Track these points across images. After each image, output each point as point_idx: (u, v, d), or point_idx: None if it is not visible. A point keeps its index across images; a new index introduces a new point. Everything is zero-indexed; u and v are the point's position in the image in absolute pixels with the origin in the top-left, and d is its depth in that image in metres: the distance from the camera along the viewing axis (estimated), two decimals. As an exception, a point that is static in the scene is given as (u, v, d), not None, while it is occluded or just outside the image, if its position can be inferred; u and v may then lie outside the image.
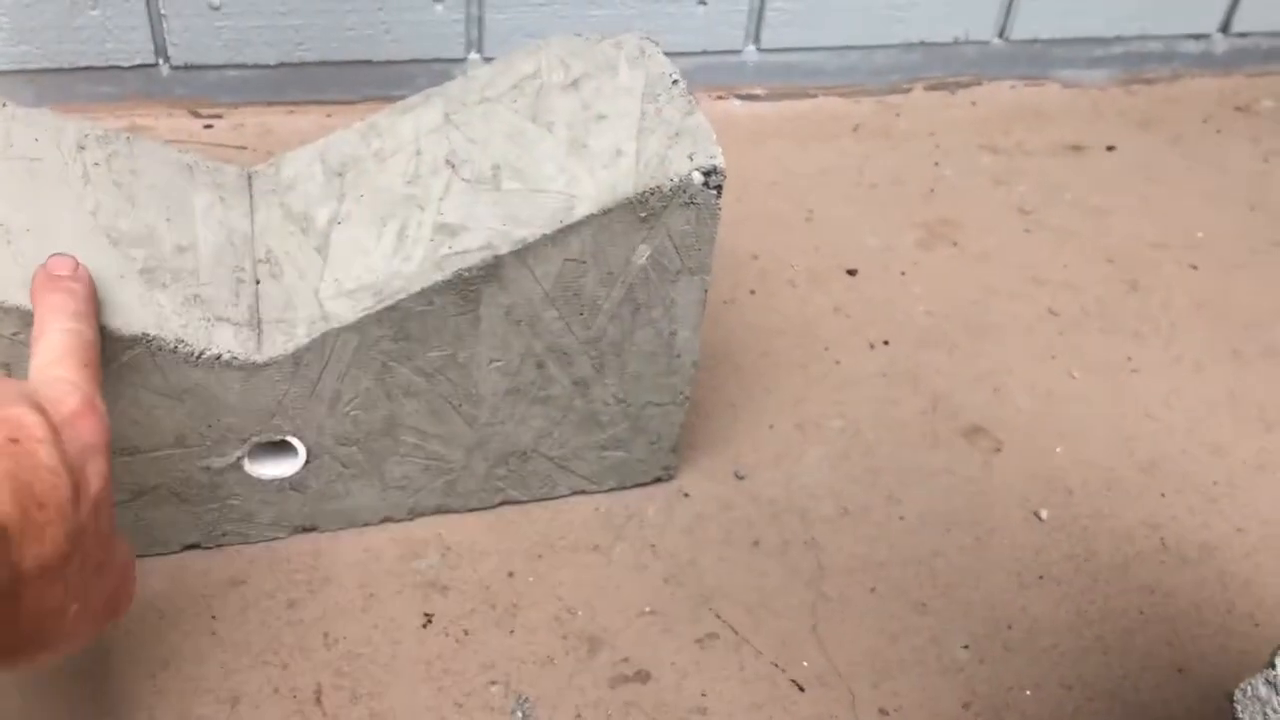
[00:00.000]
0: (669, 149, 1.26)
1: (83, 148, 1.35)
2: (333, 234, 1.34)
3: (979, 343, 1.77)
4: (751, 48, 2.26)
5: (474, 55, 2.13)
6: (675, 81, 1.34)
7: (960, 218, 2.03)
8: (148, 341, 1.16)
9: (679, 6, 2.16)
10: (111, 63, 1.98)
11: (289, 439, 1.28)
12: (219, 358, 1.19)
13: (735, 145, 2.09)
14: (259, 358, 1.21)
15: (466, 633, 1.28)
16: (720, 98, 2.28)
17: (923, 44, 2.33)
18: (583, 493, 1.45)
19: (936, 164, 2.16)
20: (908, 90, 2.36)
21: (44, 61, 1.95)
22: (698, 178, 1.23)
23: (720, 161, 1.24)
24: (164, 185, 1.39)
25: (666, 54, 1.45)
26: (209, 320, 1.22)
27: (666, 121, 1.29)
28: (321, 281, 1.28)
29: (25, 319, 1.11)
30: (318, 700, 1.20)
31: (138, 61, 1.99)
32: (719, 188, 1.25)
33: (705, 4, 2.17)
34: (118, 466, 1.23)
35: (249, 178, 1.48)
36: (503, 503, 1.42)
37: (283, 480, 1.30)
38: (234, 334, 1.22)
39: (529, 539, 1.39)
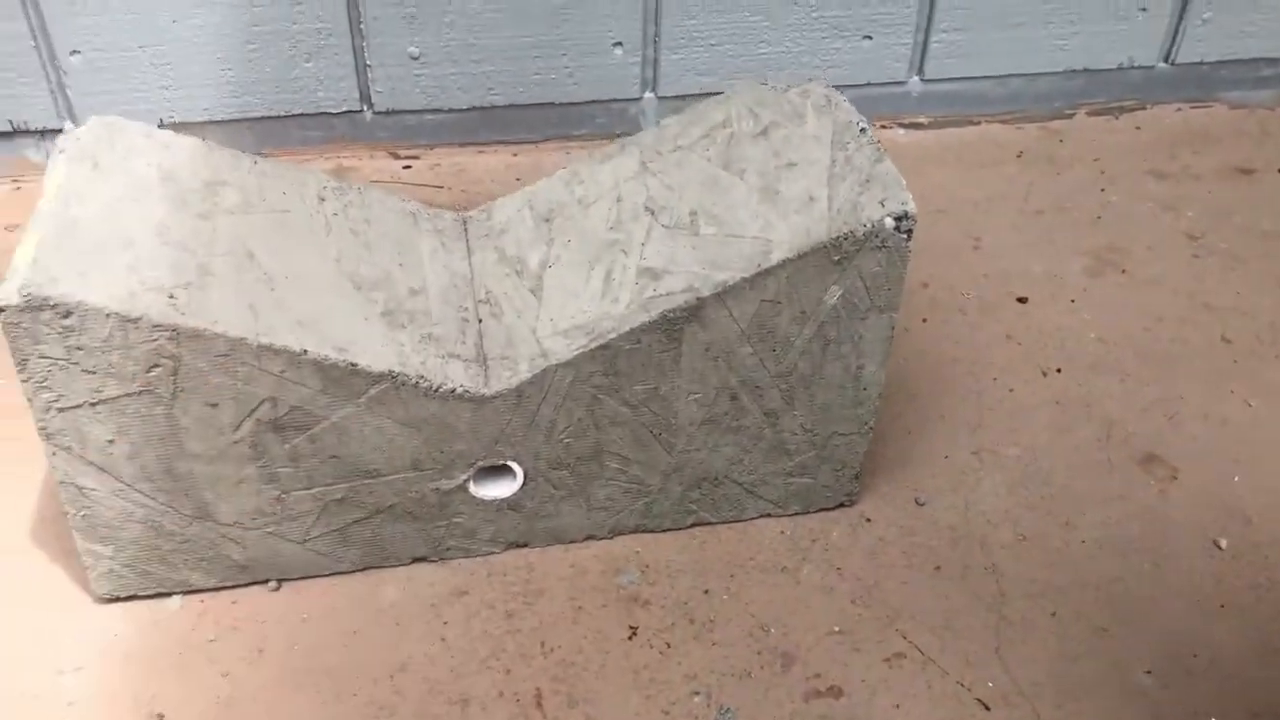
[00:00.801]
0: (860, 195, 1.34)
1: (323, 199, 1.52)
2: (545, 277, 1.46)
3: (1151, 370, 1.79)
4: (915, 79, 2.31)
5: (649, 94, 2.24)
6: (863, 130, 1.42)
7: (1128, 244, 2.05)
8: (393, 378, 1.30)
9: (846, 41, 2.23)
10: (321, 109, 2.16)
11: (509, 464, 1.41)
12: (453, 391, 1.33)
13: (902, 173, 2.14)
14: (487, 391, 1.34)
15: (669, 645, 1.38)
16: (885, 127, 2.34)
17: (1086, 70, 2.34)
18: (769, 516, 1.54)
19: (1102, 190, 2.18)
20: (1071, 116, 2.38)
21: (263, 110, 2.14)
22: (890, 223, 1.31)
23: (912, 207, 1.32)
24: (393, 232, 1.54)
25: (834, 86, 1.52)
26: (443, 357, 1.36)
27: (856, 168, 1.37)
28: (538, 321, 1.40)
29: (292, 359, 1.26)
30: (538, 704, 1.32)
31: (345, 108, 2.17)
32: (910, 231, 1.32)
33: (871, 39, 2.24)
34: (360, 488, 1.38)
35: (464, 223, 1.62)
36: (695, 524, 1.52)
37: (502, 500, 1.43)
38: (464, 369, 1.36)
39: (720, 558, 1.49)
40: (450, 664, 1.36)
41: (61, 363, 1.21)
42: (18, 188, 2.12)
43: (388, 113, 2.18)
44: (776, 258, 1.32)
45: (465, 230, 1.60)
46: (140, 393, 1.25)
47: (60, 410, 1.24)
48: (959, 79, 2.32)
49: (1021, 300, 1.91)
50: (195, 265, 1.29)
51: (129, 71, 2.05)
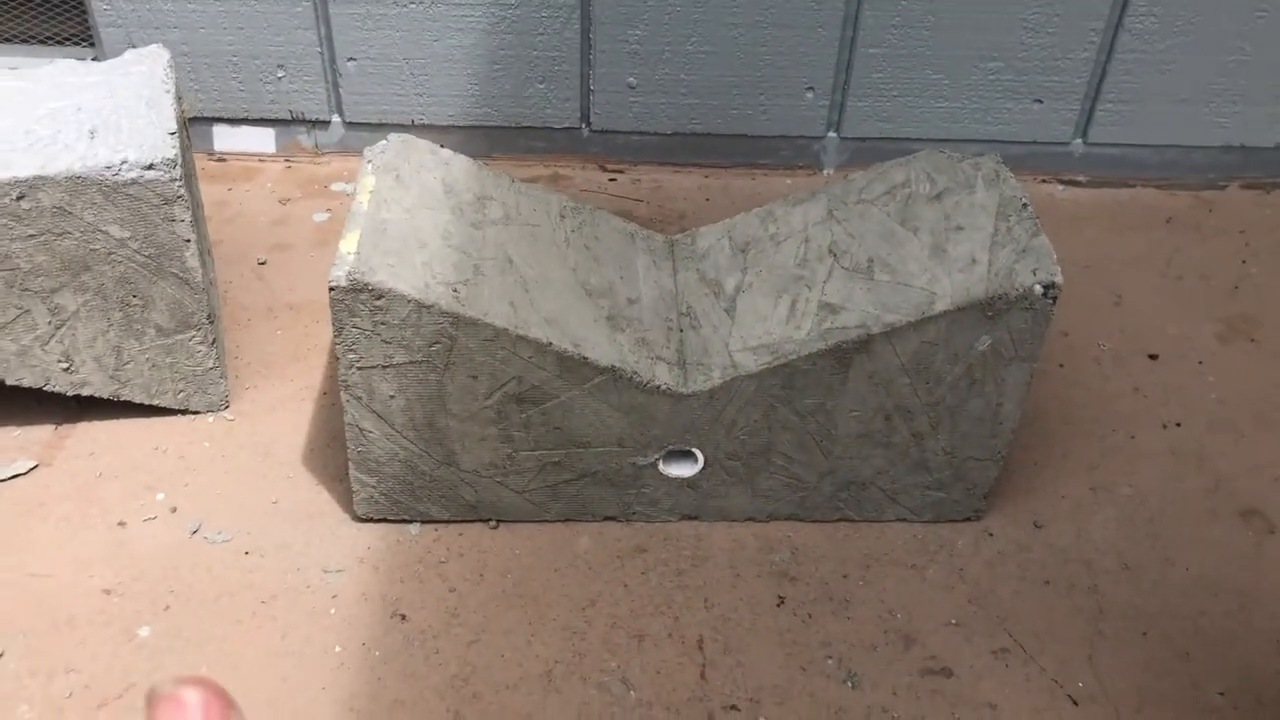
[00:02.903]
0: (1016, 263, 1.59)
1: (563, 217, 1.84)
2: (738, 300, 1.76)
3: (1265, 433, 1.98)
4: (1079, 141, 2.52)
5: (831, 134, 2.51)
6: (1025, 205, 1.66)
7: (1261, 315, 2.23)
8: (614, 372, 1.61)
9: (1016, 103, 2.45)
10: (546, 124, 2.50)
11: (693, 450, 1.71)
12: (658, 387, 1.63)
13: (1055, 227, 2.36)
14: (684, 390, 1.65)
15: (810, 616, 1.67)
16: (1044, 181, 2.55)
17: (1243, 147, 2.51)
18: (904, 520, 1.80)
19: (1244, 261, 2.35)
20: (1223, 188, 2.54)
21: (497, 120, 2.49)
22: (1039, 289, 1.56)
23: (1059, 279, 1.56)
24: (616, 249, 1.85)
25: (1001, 142, 1.75)
26: (652, 359, 1.67)
27: (1016, 239, 1.62)
28: (730, 337, 1.70)
29: (539, 348, 1.59)
30: (700, 647, 1.62)
31: (566, 125, 2.50)
32: (1055, 298, 1.57)
33: (1041, 102, 2.45)
34: (573, 455, 1.70)
35: (671, 245, 1.93)
36: (840, 519, 1.80)
37: (683, 479, 1.74)
38: (668, 370, 1.66)
39: (860, 550, 1.76)
40: (630, 605, 1.67)
41: (367, 333, 1.56)
42: (289, 166, 2.52)
43: (602, 131, 2.50)
44: (939, 308, 1.58)
45: (673, 251, 1.90)
46: (421, 362, 1.59)
47: (360, 369, 1.60)
48: (1119, 145, 2.51)
49: (1152, 357, 2.12)
50: (471, 266, 1.63)
51: (392, 78, 2.42)
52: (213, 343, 1.86)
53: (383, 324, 1.56)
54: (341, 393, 1.63)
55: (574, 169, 2.54)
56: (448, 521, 1.78)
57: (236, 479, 1.83)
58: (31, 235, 1.67)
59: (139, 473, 1.83)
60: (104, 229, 1.70)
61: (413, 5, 2.32)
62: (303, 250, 2.30)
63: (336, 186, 2.47)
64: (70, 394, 1.85)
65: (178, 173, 1.69)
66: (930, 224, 1.70)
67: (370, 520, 1.77)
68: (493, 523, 1.78)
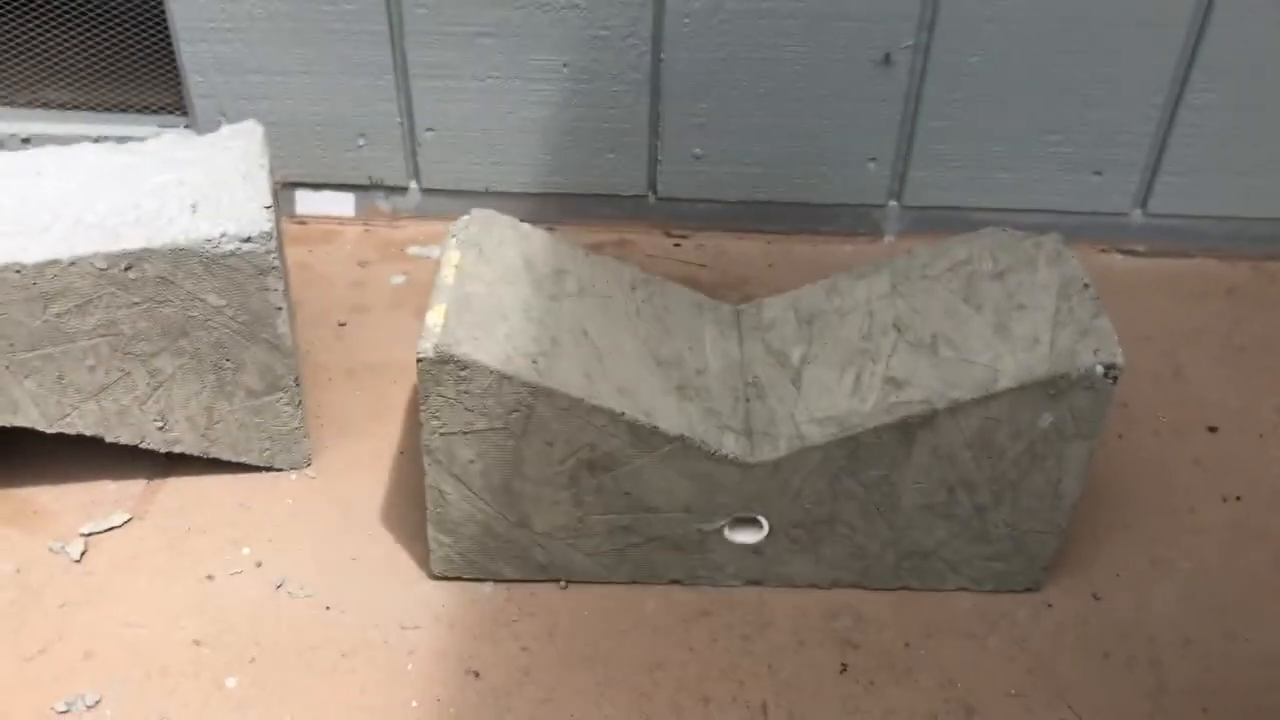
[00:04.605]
0: (1078, 343, 1.63)
1: (634, 288, 1.92)
2: (804, 371, 1.81)
3: (1329, 509, 1.99)
4: (1138, 212, 2.55)
5: (892, 203, 2.57)
6: (1086, 285, 1.71)
7: (1325, 388, 2.24)
8: (683, 441, 1.67)
9: (1076, 175, 2.50)
10: (615, 192, 2.58)
11: (759, 518, 1.76)
12: (726, 457, 1.69)
13: (1114, 296, 2.39)
14: (751, 460, 1.70)
15: (873, 683, 1.70)
16: (1103, 251, 2.59)
17: (1306, 218, 2.53)
18: (965, 590, 1.83)
19: (1306, 333, 2.37)
20: (1285, 259, 2.57)
21: (567, 188, 2.58)
22: (1100, 370, 1.60)
23: (1120, 360, 1.60)
24: (684, 319, 1.92)
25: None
26: (720, 428, 1.73)
27: (1077, 319, 1.67)
28: (796, 408, 1.75)
29: (613, 418, 1.65)
30: (764, 712, 1.66)
31: (633, 192, 2.58)
32: (1116, 379, 1.61)
33: (1101, 174, 2.49)
34: (642, 520, 1.76)
35: (738, 315, 1.99)
36: (901, 587, 1.84)
37: (748, 546, 1.79)
38: (735, 440, 1.72)
39: (921, 619, 1.79)
40: (696, 669, 1.72)
41: (451, 401, 1.64)
42: (367, 230, 2.63)
43: (668, 199, 2.58)
44: (1002, 385, 1.62)
45: (739, 321, 1.97)
46: (500, 429, 1.66)
47: (442, 434, 1.67)
48: (1179, 215, 2.54)
49: (1212, 429, 2.14)
50: (549, 338, 1.70)
51: (468, 147, 2.52)
52: (298, 404, 1.95)
53: (466, 393, 1.63)
54: (424, 456, 1.71)
55: (640, 235, 2.62)
56: (519, 581, 1.84)
57: (318, 535, 1.91)
58: (136, 303, 1.78)
59: (226, 528, 1.92)
60: (202, 297, 1.80)
61: (490, 79, 2.43)
62: (381, 312, 2.39)
63: (413, 250, 2.57)
64: (163, 451, 1.94)
65: (272, 245, 1.79)
66: (993, 302, 1.75)
67: (446, 578, 1.84)
68: (562, 583, 1.84)
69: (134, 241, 1.74)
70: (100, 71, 2.51)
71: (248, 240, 1.77)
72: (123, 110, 2.55)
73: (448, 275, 1.75)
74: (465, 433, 1.67)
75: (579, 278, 1.86)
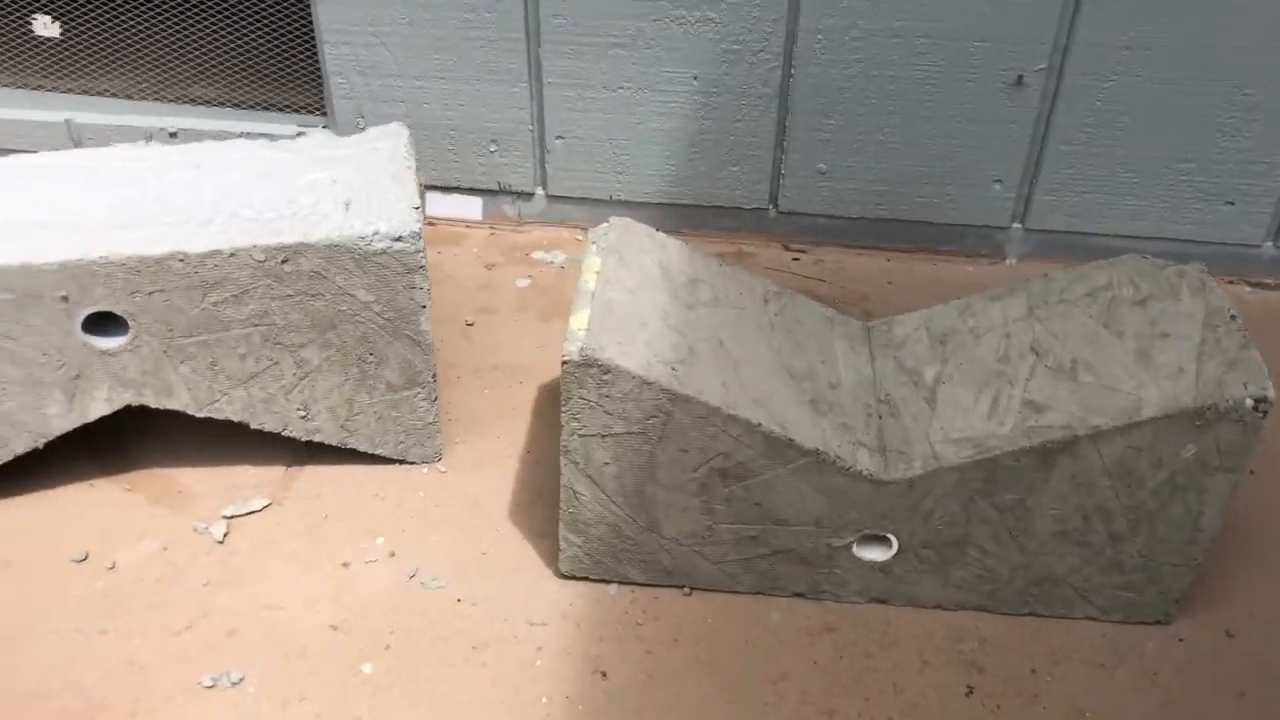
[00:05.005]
0: (1226, 374, 1.61)
1: (767, 301, 1.93)
2: (938, 391, 1.81)
3: None
4: (1269, 244, 2.51)
5: (1016, 225, 2.55)
6: (1233, 317, 1.69)
7: None
8: (818, 455, 1.69)
9: (1207, 205, 2.46)
10: (736, 204, 2.61)
11: (888, 535, 1.77)
12: (860, 473, 1.70)
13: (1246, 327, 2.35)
14: (885, 477, 1.71)
15: (999, 708, 1.69)
16: (1232, 283, 2.54)
17: None
18: (1093, 619, 1.81)
19: None
20: None
21: (689, 199, 2.61)
22: (1250, 403, 1.58)
23: (1271, 393, 1.58)
24: (815, 333, 1.93)
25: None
26: (853, 444, 1.73)
27: (1224, 350, 1.65)
28: (930, 427, 1.76)
29: (748, 428, 1.67)
30: (888, 728, 1.67)
31: (755, 205, 2.61)
32: (1265, 412, 1.58)
33: (1232, 204, 2.45)
34: (770, 531, 1.77)
35: (868, 331, 2.00)
36: (1029, 613, 1.82)
37: (876, 563, 1.79)
38: (869, 457, 1.73)
39: (1048, 645, 1.78)
40: (820, 683, 1.73)
41: (592, 404, 1.67)
42: (493, 233, 2.69)
43: (789, 213, 2.60)
44: (1146, 414, 1.61)
45: (869, 338, 1.98)
46: (638, 433, 1.69)
47: (580, 436, 1.71)
48: (1315, 249, 2.49)
49: (1351, 469, 2.09)
50: (687, 346, 1.73)
51: (595, 156, 2.57)
52: (434, 400, 2.01)
53: (607, 397, 1.66)
54: (561, 456, 1.75)
55: (759, 247, 2.64)
56: (644, 585, 1.86)
57: (449, 529, 1.96)
58: (289, 295, 1.84)
59: (360, 517, 1.98)
60: (352, 292, 1.86)
61: (621, 90, 2.47)
62: (506, 314, 2.44)
63: (537, 255, 2.62)
64: (303, 440, 2.01)
65: (421, 245, 1.85)
66: (1135, 329, 1.74)
67: (573, 578, 1.87)
68: (686, 589, 1.86)
69: (290, 236, 1.81)
70: (245, 70, 2.61)
71: (399, 239, 1.83)
72: (265, 108, 2.64)
73: (589, 280, 1.78)
74: (603, 435, 1.70)
75: (713, 287, 1.88)
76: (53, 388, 1.85)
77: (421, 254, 1.85)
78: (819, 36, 2.36)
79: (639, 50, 2.42)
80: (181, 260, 1.78)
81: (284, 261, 1.81)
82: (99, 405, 1.89)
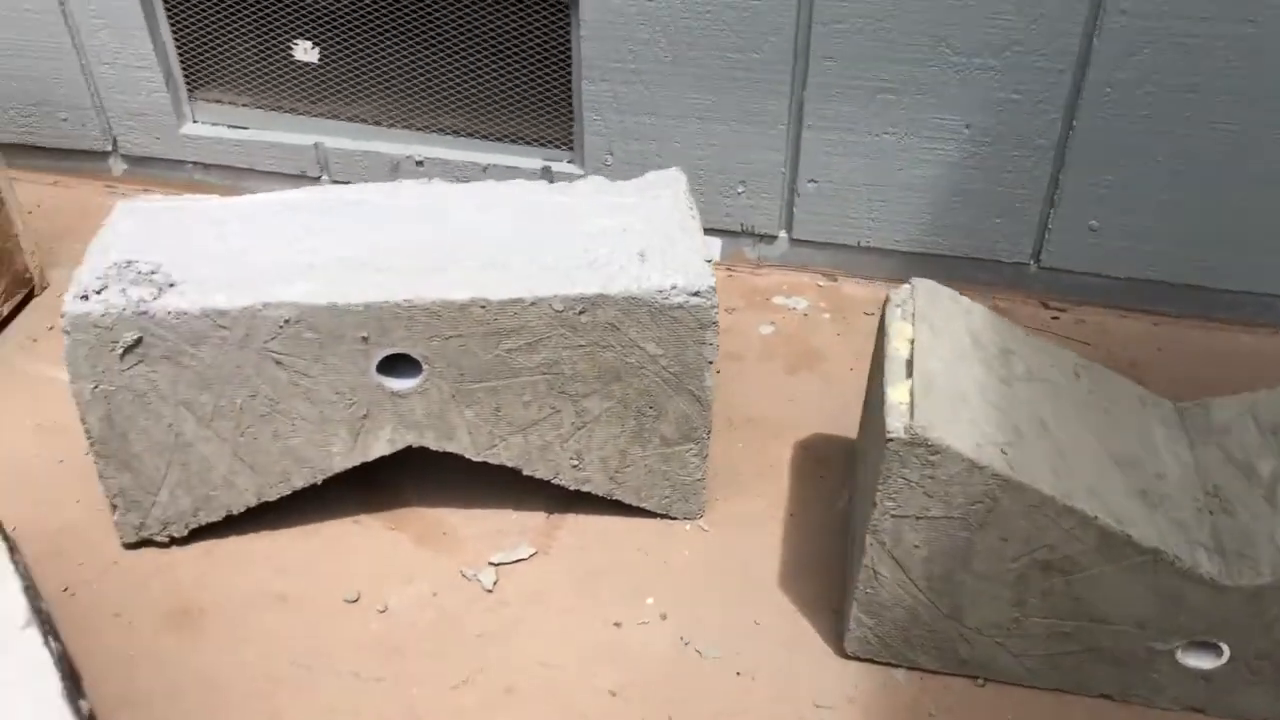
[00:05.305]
0: None
1: (1077, 375, 1.81)
2: (1278, 489, 1.67)
3: None
4: None
5: (1304, 294, 2.39)
6: None
7: None
8: (1156, 554, 1.56)
9: None
10: (995, 257, 2.48)
11: (1219, 644, 1.63)
12: (1200, 576, 1.57)
13: None
14: (1228, 582, 1.57)
15: (1346, 844, 1.55)
16: None
17: None
18: None
19: None
20: None
21: (945, 249, 2.50)
22: None
23: None
24: (1130, 413, 1.80)
25: None
26: (1190, 543, 1.60)
27: None
28: (1275, 529, 1.61)
29: (1083, 520, 1.55)
30: None
31: (1015, 259, 2.48)
32: None
33: None
34: (1086, 629, 1.65)
35: (1180, 413, 1.86)
36: (1364, 735, 1.67)
37: (1200, 670, 1.66)
38: (1208, 558, 1.59)
39: (1390, 776, 1.62)
40: (1138, 797, 1.60)
41: (912, 484, 1.58)
42: (730, 275, 2.61)
43: (1051, 269, 2.47)
44: None
45: (1183, 421, 1.84)
46: (957, 519, 1.59)
47: (893, 516, 1.62)
48: None
49: None
50: (1011, 426, 1.62)
51: (848, 201, 2.47)
52: (704, 456, 1.94)
53: (930, 478, 1.57)
54: (867, 536, 1.66)
55: (1015, 303, 2.51)
56: (934, 672, 1.76)
57: (718, 593, 1.89)
58: (580, 346, 1.79)
59: (627, 573, 1.92)
60: (642, 345, 1.80)
61: (885, 135, 2.37)
62: (752, 362, 2.36)
63: (778, 300, 2.54)
64: (571, 488, 1.96)
65: (715, 300, 1.78)
66: None
67: (857, 659, 1.78)
68: (980, 681, 1.75)
69: (590, 286, 1.76)
70: (492, 102, 2.59)
71: (695, 294, 1.77)
72: (511, 140, 2.62)
73: (901, 349, 1.69)
74: (918, 518, 1.61)
75: (1025, 359, 1.77)
76: (339, 426, 1.83)
77: (715, 309, 1.79)
78: (1107, 90, 2.23)
79: (909, 96, 2.32)
80: (483, 307, 1.74)
81: (581, 312, 1.76)
82: (381, 445, 1.87)
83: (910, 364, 1.67)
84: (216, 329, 1.71)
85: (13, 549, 1.49)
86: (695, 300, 1.77)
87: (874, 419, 1.79)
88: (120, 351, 1.70)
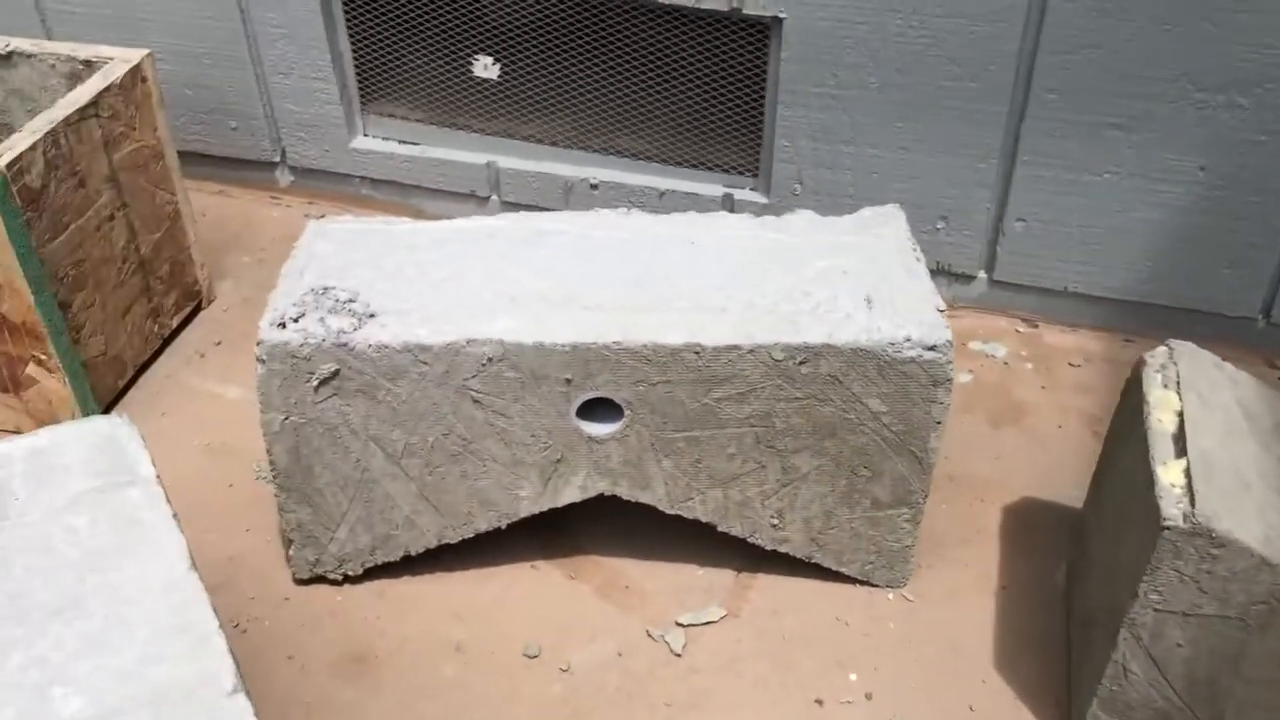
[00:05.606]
0: None
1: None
2: None
3: None
4: None
5: None
6: None
7: None
8: None
9: None
10: (1217, 310, 2.27)
11: None
12: None
13: None
14: None
15: None
16: None
17: None
18: None
19: None
20: None
21: (1162, 299, 2.29)
22: None
23: None
24: None
25: None
26: None
27: None
28: None
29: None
30: None
31: (1241, 314, 2.26)
32: None
33: None
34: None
35: None
36: None
37: None
38: None
39: None
40: None
41: (1186, 578, 1.40)
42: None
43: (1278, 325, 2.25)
44: None
45: None
46: (1234, 619, 1.41)
47: (1156, 610, 1.44)
48: None
49: None
50: (1300, 518, 1.43)
51: (1058, 243, 2.29)
52: (918, 523, 1.78)
53: (1208, 573, 1.39)
54: (1121, 629, 1.48)
55: (1236, 361, 2.26)
56: (1181, 783, 1.58)
57: (926, 672, 1.73)
58: (797, 398, 1.65)
59: (826, 644, 1.77)
60: (865, 401, 1.65)
61: (1108, 174, 2.18)
62: (953, 414, 2.19)
63: (974, 345, 2.36)
64: (769, 549, 1.82)
65: (952, 355, 1.62)
66: None
67: (1092, 761, 1.61)
68: (1236, 797, 1.56)
69: (814, 335, 1.61)
70: (673, 125, 2.46)
71: (931, 349, 1.61)
72: (691, 165, 2.49)
73: (1167, 422, 1.51)
74: (1186, 614, 1.43)
75: (1302, 439, 1.58)
76: (531, 469, 1.72)
77: (951, 365, 1.63)
78: (1370, 132, 2.01)
79: (1140, 133, 2.12)
80: (696, 353, 1.61)
81: (802, 363, 1.62)
82: (571, 491, 1.75)
83: (1179, 440, 1.49)
84: (417, 364, 1.61)
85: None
86: (930, 355, 1.61)
87: (1119, 495, 1.62)
88: (316, 384, 1.62)
